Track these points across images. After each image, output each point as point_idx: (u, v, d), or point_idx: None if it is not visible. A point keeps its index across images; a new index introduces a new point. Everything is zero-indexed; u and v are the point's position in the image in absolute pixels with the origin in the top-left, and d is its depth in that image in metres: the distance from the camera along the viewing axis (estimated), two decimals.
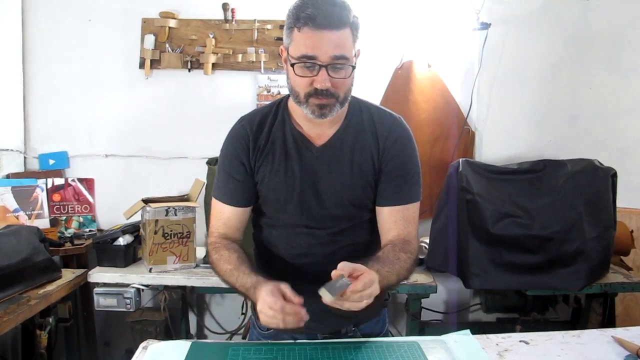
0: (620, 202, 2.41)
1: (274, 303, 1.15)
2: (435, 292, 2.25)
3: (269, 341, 1.41)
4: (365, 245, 1.44)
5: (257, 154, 1.38)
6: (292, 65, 1.26)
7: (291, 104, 1.39)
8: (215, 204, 1.45)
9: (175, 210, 2.36)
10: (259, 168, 1.39)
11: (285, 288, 1.19)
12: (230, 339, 2.90)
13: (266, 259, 1.48)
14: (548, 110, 2.84)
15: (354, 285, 1.11)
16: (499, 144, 2.86)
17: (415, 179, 1.42)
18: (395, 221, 1.39)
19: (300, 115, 1.37)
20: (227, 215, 1.42)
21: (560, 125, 2.84)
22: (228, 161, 1.41)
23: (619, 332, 1.45)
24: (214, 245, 1.41)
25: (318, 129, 1.39)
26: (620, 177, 2.37)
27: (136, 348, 1.37)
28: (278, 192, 1.38)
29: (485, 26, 2.69)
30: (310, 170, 1.37)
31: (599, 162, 2.32)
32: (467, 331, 1.45)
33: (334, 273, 1.14)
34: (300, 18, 1.22)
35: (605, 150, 2.70)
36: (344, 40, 1.24)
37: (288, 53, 1.28)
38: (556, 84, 2.82)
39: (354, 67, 1.28)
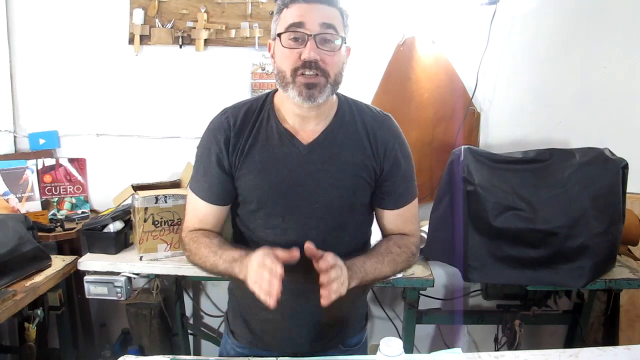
0: (631, 188, 2.29)
1: (264, 257, 1.15)
2: (433, 285, 2.19)
3: (250, 358, 1.37)
4: (358, 253, 1.35)
5: (239, 151, 1.31)
6: (279, 35, 1.20)
7: (278, 98, 1.32)
8: (191, 197, 1.38)
9: (165, 197, 2.29)
10: (240, 166, 1.31)
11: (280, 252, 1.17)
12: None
13: None
14: (558, 90, 2.68)
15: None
16: (505, 125, 2.73)
17: (412, 176, 1.40)
18: (396, 224, 1.41)
19: (288, 110, 1.29)
20: (203, 213, 1.36)
21: (571, 107, 2.69)
22: (206, 156, 1.33)
23: (620, 351, 1.39)
24: (191, 236, 1.36)
25: (306, 125, 1.30)
26: (632, 162, 2.23)
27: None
28: (260, 193, 1.31)
29: (494, 1, 2.52)
30: (296, 169, 1.29)
31: (610, 151, 2.20)
32: (459, 349, 1.38)
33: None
34: None
35: (618, 134, 2.58)
36: (333, 15, 1.21)
37: (276, 35, 1.24)
38: (567, 63, 2.65)
39: (344, 39, 1.23)
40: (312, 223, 1.31)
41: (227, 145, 1.30)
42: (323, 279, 1.13)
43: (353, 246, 1.38)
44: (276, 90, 1.34)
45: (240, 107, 1.35)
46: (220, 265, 1.26)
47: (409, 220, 1.42)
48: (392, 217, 1.40)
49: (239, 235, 1.41)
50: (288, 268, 1.28)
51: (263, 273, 1.11)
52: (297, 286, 1.31)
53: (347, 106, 1.35)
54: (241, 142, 1.30)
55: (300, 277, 1.27)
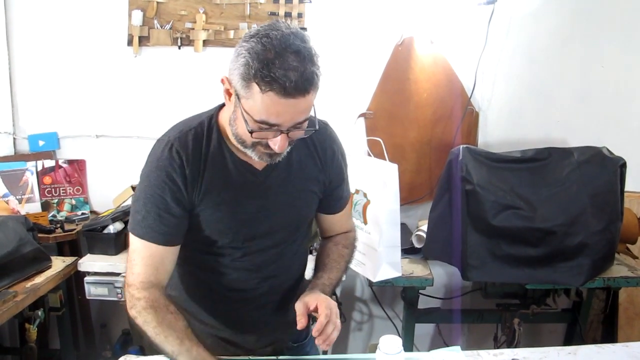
0: (629, 186, 2.30)
1: None
2: (432, 285, 2.20)
3: (250, 357, 1.38)
4: (304, 252, 1.47)
5: (197, 187, 1.22)
6: (251, 132, 1.10)
7: (225, 124, 1.23)
8: (142, 245, 1.22)
9: None
10: (200, 200, 1.23)
11: None
12: None
13: (199, 291, 1.41)
14: (556, 89, 2.69)
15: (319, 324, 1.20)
16: (503, 124, 2.74)
17: (347, 178, 1.46)
18: (341, 225, 1.51)
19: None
20: (160, 258, 1.22)
21: (569, 106, 2.70)
22: (159, 196, 1.20)
23: (618, 348, 1.39)
24: (151, 302, 1.19)
25: None
26: (630, 160, 2.25)
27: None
28: (222, 226, 1.26)
29: (492, 0, 2.52)
30: (255, 197, 1.28)
31: (608, 150, 2.21)
32: (458, 347, 1.38)
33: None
34: (265, 78, 1.02)
35: (616, 132, 2.59)
36: (309, 104, 1.11)
37: (243, 107, 1.09)
38: (566, 62, 2.66)
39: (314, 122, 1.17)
40: (270, 242, 1.33)
41: (185, 183, 1.20)
42: (322, 337, 1.21)
43: (304, 253, 1.47)
44: (220, 108, 1.28)
45: (185, 136, 1.22)
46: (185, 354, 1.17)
47: (349, 216, 1.57)
48: (337, 220, 1.49)
49: (187, 272, 1.39)
50: (253, 298, 1.37)
51: None
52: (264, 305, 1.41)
53: None
54: (198, 178, 1.22)
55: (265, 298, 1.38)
